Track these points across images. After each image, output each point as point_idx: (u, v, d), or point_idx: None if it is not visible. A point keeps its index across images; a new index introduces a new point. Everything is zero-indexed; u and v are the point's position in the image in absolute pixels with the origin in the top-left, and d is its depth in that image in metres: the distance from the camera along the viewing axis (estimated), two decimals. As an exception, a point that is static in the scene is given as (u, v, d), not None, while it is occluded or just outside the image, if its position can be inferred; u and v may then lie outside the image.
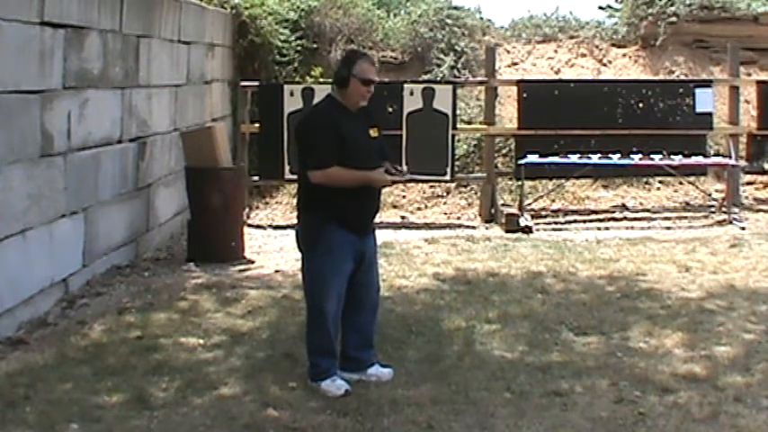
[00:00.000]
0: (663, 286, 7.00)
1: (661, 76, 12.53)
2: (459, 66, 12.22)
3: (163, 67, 8.62)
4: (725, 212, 10.25)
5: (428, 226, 10.07)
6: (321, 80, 11.34)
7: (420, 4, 13.28)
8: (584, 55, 13.20)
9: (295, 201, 9.07)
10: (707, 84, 10.90)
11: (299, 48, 11.94)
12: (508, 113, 11.57)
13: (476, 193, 10.92)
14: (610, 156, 10.12)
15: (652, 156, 10.12)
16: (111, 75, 7.34)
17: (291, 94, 10.08)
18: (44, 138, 6.16)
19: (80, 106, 6.73)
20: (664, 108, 10.56)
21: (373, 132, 4.92)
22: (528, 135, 10.43)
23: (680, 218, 10.38)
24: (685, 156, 10.22)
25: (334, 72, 4.91)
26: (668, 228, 9.86)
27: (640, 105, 10.56)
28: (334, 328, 4.86)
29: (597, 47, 13.29)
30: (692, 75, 12.47)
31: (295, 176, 9.96)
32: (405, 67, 12.41)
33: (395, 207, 10.72)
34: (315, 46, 12.28)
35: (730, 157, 10.63)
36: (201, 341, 5.64)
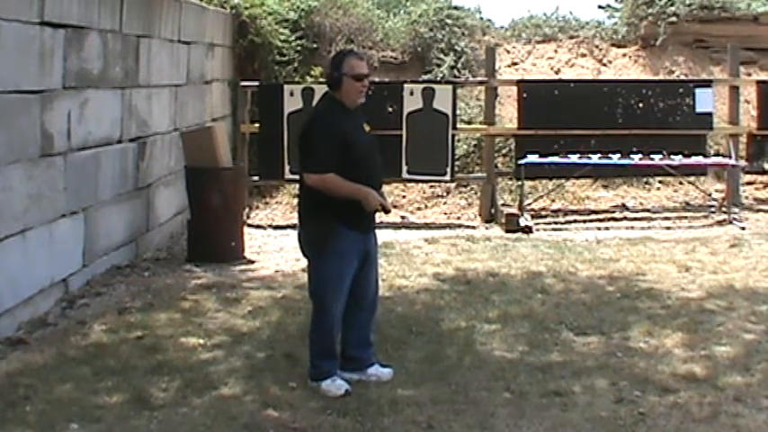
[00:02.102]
0: (663, 286, 7.00)
1: (661, 76, 12.53)
2: (460, 66, 12.21)
3: (163, 67, 8.62)
4: (725, 212, 10.25)
5: (428, 226, 10.07)
6: (321, 80, 11.34)
7: (420, 4, 13.26)
8: (584, 55, 13.20)
9: (295, 201, 9.06)
10: (707, 84, 10.89)
11: (299, 48, 11.93)
12: (508, 113, 11.57)
13: (476, 193, 10.92)
14: (610, 156, 10.12)
15: (652, 156, 10.12)
16: (111, 75, 7.34)
17: (291, 94, 10.09)
18: (44, 138, 6.16)
19: (80, 106, 6.73)
20: (664, 108, 10.56)
21: (366, 127, 4.96)
22: (528, 135, 10.43)
23: (680, 218, 10.37)
24: (685, 156, 10.23)
25: (326, 76, 4.90)
26: (668, 228, 9.86)
27: (640, 105, 10.56)
28: (337, 329, 4.87)
29: (597, 47, 13.29)
30: (692, 75, 12.47)
31: (295, 176, 9.98)
32: (405, 67, 12.41)
33: (395, 207, 10.72)
34: (315, 46, 12.28)
35: (730, 157, 10.63)
36: (202, 341, 5.64)
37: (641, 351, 5.48)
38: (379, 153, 5.00)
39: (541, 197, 10.79)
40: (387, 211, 5.03)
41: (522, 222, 9.67)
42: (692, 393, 4.77)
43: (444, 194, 11.14)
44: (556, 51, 13.25)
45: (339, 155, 4.68)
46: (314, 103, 9.77)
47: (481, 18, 13.86)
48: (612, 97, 10.60)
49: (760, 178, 11.48)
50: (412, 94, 10.20)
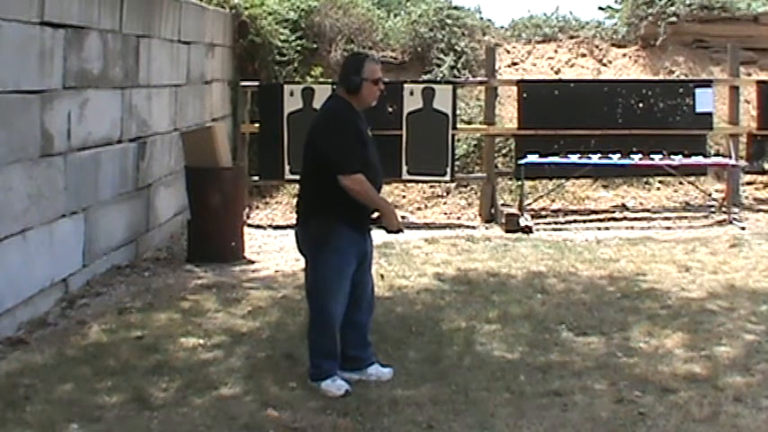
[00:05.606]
0: (663, 286, 7.00)
1: (661, 76, 12.53)
2: (459, 66, 12.21)
3: (163, 67, 8.62)
4: (725, 212, 10.25)
5: (428, 226, 10.07)
6: (321, 80, 11.34)
7: (420, 4, 13.27)
8: (584, 55, 13.20)
9: (295, 201, 9.05)
10: (707, 84, 10.89)
11: (299, 48, 11.94)
12: (508, 113, 11.57)
13: (476, 193, 10.92)
14: (610, 156, 10.12)
15: (652, 156, 10.13)
16: (111, 75, 7.34)
17: (291, 94, 10.09)
18: (44, 138, 6.16)
19: (80, 106, 6.73)
20: (664, 108, 10.57)
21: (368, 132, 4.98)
22: (528, 135, 10.43)
23: (680, 218, 10.38)
24: (685, 156, 10.23)
25: (344, 79, 4.84)
26: (668, 228, 9.86)
27: (640, 105, 10.56)
28: (336, 329, 4.87)
29: (597, 47, 13.29)
30: (692, 75, 12.47)
31: (295, 176, 9.95)
32: (405, 67, 12.41)
33: (395, 207, 10.71)
34: (315, 46, 12.28)
35: (730, 157, 10.63)
36: (202, 341, 5.64)
37: (641, 351, 5.48)
38: (379, 153, 5.01)
39: (541, 197, 10.79)
40: (399, 232, 5.04)
41: (522, 222, 9.67)
42: (692, 393, 4.77)
43: (444, 194, 11.14)
44: (556, 51, 13.25)
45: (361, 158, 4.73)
46: (314, 103, 9.90)
47: (481, 18, 13.86)
48: (612, 97, 10.60)
49: (760, 178, 11.48)
50: (412, 94, 10.20)
